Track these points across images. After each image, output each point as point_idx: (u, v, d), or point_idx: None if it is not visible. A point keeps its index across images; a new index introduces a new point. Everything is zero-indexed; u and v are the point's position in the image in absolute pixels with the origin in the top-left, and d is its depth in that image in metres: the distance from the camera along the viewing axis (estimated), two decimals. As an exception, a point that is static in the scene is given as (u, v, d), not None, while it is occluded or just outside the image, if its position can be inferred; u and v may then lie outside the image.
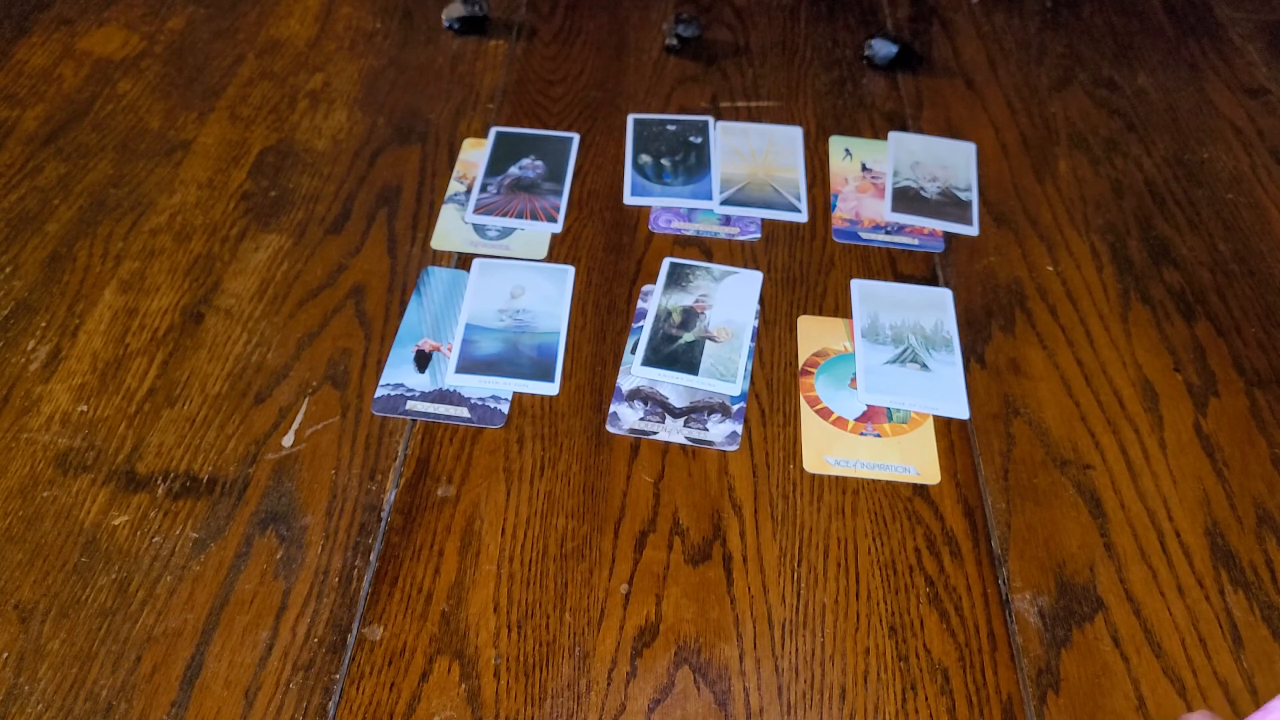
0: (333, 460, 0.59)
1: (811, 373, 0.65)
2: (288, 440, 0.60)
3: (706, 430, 0.61)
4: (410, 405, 0.62)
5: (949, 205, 0.76)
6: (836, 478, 0.59)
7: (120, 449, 0.59)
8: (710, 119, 0.82)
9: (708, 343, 0.66)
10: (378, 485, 0.58)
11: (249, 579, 0.54)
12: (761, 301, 0.69)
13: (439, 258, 0.71)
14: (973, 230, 0.74)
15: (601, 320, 0.67)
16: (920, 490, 0.59)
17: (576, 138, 0.80)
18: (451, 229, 0.73)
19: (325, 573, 0.54)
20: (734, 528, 0.57)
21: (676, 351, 0.65)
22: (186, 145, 0.78)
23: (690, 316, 0.67)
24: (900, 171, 0.79)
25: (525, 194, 0.76)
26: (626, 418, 0.62)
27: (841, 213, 0.76)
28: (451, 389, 0.63)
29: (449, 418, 0.61)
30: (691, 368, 0.64)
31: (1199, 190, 0.79)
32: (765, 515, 0.57)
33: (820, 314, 0.68)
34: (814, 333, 0.67)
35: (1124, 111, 0.86)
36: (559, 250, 0.72)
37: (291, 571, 0.54)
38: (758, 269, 0.71)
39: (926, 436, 0.61)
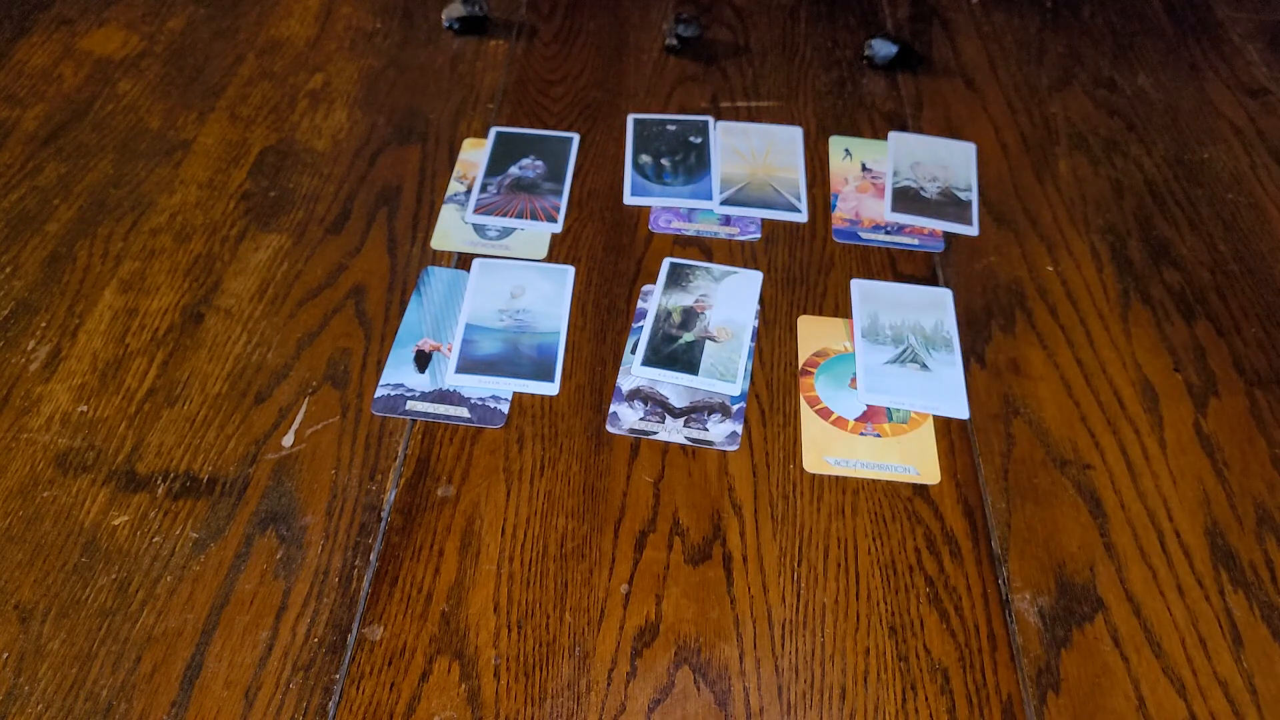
0: (333, 460, 0.59)
1: (811, 373, 0.65)
2: (288, 440, 0.60)
3: (706, 430, 0.61)
4: (410, 405, 0.62)
5: (949, 205, 0.76)
6: (836, 478, 0.59)
7: (120, 449, 0.59)
8: (710, 119, 0.82)
9: (708, 343, 0.66)
10: (378, 485, 0.58)
11: (249, 579, 0.54)
12: (761, 301, 0.69)
13: (439, 258, 0.71)
14: (973, 230, 0.75)
15: (601, 320, 0.67)
16: (920, 490, 0.59)
17: (576, 138, 0.80)
18: (451, 229, 0.73)
19: (325, 573, 0.54)
20: (734, 528, 0.57)
21: (676, 351, 0.65)
22: (186, 145, 0.78)
23: (690, 316, 0.67)
24: (900, 171, 0.79)
25: (525, 194, 0.76)
26: (626, 418, 0.62)
27: (841, 213, 0.76)
28: (451, 389, 0.63)
29: (449, 418, 0.61)
30: (691, 368, 0.64)
31: (1199, 190, 0.79)
32: (765, 515, 0.57)
33: (820, 314, 0.68)
34: (814, 333, 0.67)
35: (1124, 111, 0.86)
36: (559, 250, 0.72)
37: (291, 571, 0.54)
38: (758, 269, 0.71)
39: (926, 436, 0.61)
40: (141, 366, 0.63)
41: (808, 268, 0.71)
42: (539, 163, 0.78)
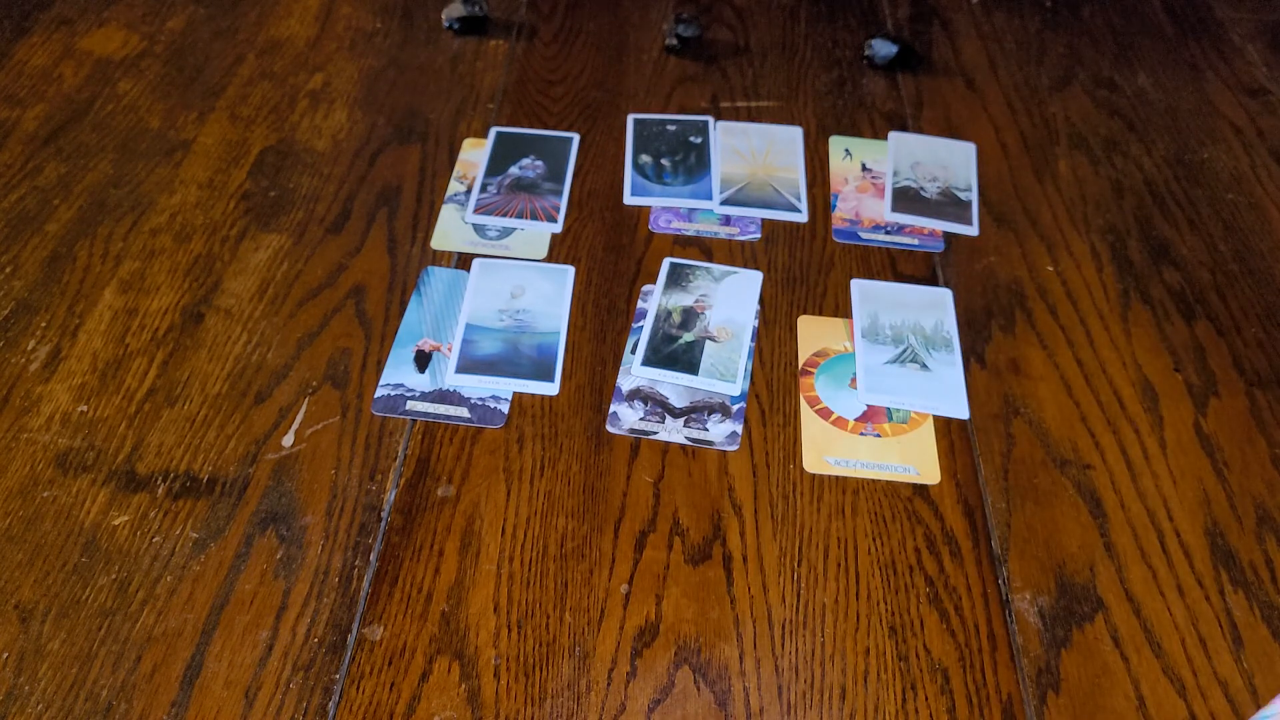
0: (333, 460, 0.59)
1: (811, 373, 0.65)
2: (288, 440, 0.60)
3: (706, 430, 0.61)
4: (410, 405, 0.62)
5: (949, 205, 0.76)
6: (836, 478, 0.59)
7: (120, 449, 0.59)
8: (710, 119, 0.82)
9: (708, 343, 0.66)
10: (378, 485, 0.58)
11: (249, 579, 0.54)
12: (761, 301, 0.69)
13: (439, 258, 0.71)
14: (973, 230, 0.75)
15: (601, 320, 0.67)
16: (920, 490, 0.59)
17: (576, 138, 0.80)
18: (451, 229, 0.73)
19: (325, 573, 0.54)
20: (734, 528, 0.57)
21: (676, 351, 0.65)
22: (186, 145, 0.78)
23: (690, 316, 0.67)
24: (900, 171, 0.79)
25: (525, 194, 0.76)
26: (626, 418, 0.62)
27: (841, 213, 0.76)
28: (451, 389, 0.63)
29: (449, 418, 0.61)
30: (691, 368, 0.64)
31: (1199, 190, 0.79)
32: (765, 515, 0.57)
33: (820, 314, 0.68)
34: (814, 333, 0.67)
35: (1124, 111, 0.86)
36: (559, 250, 0.72)
37: (291, 571, 0.54)
38: (758, 269, 0.71)
39: (926, 436, 0.61)
40: (141, 366, 0.63)
41: (808, 268, 0.72)
42: (539, 163, 0.78)
